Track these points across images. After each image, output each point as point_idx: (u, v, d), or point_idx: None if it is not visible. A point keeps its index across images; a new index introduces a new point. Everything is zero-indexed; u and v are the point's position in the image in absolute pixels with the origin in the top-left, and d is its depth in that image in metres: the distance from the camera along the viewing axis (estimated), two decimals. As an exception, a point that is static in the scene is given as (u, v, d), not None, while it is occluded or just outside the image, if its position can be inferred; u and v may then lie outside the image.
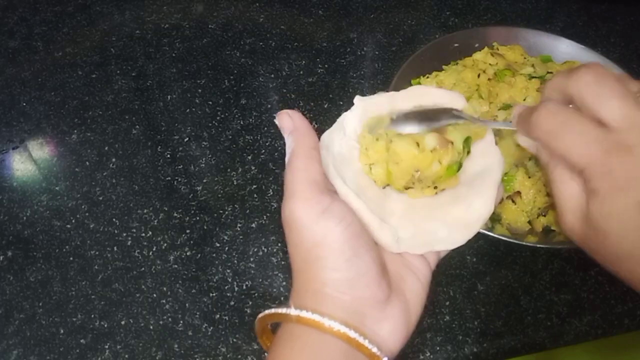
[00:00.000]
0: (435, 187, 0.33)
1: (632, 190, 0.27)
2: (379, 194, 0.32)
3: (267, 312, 0.29)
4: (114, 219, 0.55)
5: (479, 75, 0.58)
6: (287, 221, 0.29)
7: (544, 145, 0.30)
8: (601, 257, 0.30)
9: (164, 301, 0.50)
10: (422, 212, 0.33)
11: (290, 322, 0.28)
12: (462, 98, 0.35)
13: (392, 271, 0.30)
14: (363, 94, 0.34)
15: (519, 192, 0.50)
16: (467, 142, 0.33)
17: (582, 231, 0.29)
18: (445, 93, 0.35)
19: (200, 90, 0.66)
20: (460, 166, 0.33)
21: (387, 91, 0.53)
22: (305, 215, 0.28)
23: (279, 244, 0.53)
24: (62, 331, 0.49)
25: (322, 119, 0.62)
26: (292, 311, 0.28)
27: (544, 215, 0.51)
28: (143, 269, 0.52)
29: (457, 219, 0.32)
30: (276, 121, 0.32)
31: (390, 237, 0.30)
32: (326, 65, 0.68)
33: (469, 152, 0.34)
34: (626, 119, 0.27)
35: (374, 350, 0.27)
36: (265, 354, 0.30)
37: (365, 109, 0.33)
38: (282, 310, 0.28)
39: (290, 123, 0.31)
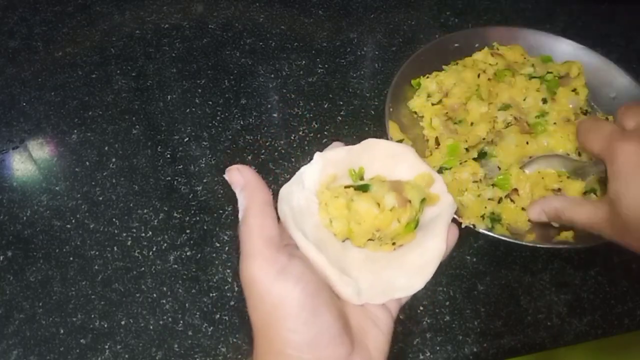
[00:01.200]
0: (394, 244, 0.34)
1: None
2: (339, 246, 0.32)
3: None
4: (114, 219, 0.55)
5: (479, 75, 0.58)
6: (246, 282, 0.29)
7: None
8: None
9: (164, 301, 0.50)
10: (381, 261, 0.33)
11: None
12: (411, 150, 0.36)
13: (354, 325, 0.30)
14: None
15: (516, 190, 0.50)
16: (423, 203, 0.34)
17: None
18: (395, 145, 0.36)
19: (200, 90, 0.66)
20: (417, 223, 0.34)
21: (387, 92, 0.53)
22: (263, 276, 0.28)
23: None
24: (62, 331, 0.49)
25: (322, 119, 0.62)
26: None
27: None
28: (143, 269, 0.52)
29: (414, 264, 0.33)
30: (226, 177, 0.31)
31: (351, 290, 0.30)
32: (326, 65, 0.68)
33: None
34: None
35: None
36: None
37: (325, 164, 0.33)
38: None
39: (240, 178, 0.31)
